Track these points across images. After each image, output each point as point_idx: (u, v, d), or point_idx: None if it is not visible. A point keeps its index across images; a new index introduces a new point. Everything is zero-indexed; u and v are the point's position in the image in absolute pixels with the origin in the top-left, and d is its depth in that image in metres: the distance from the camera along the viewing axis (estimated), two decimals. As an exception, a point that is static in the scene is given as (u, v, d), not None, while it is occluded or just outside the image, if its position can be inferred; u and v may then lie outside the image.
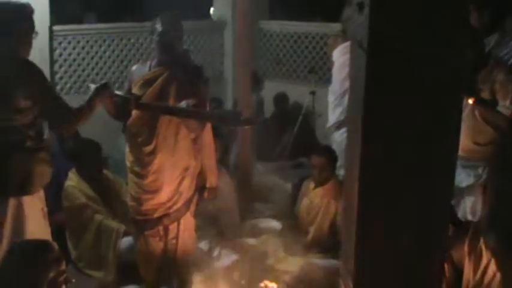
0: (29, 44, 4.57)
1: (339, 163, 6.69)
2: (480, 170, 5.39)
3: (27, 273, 3.22)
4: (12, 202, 4.59)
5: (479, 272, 4.34)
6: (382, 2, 2.30)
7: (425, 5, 2.30)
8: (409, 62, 2.32)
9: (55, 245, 3.40)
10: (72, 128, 4.66)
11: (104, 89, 4.79)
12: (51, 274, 3.26)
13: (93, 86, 4.83)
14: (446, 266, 4.58)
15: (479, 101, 5.15)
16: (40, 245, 3.35)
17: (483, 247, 4.34)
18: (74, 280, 3.44)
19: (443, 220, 2.61)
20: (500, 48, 5.76)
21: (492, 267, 4.29)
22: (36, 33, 4.55)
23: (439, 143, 2.42)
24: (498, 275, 4.25)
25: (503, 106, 5.12)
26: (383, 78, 2.34)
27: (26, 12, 4.51)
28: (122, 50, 8.99)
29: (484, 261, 4.33)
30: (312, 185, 6.32)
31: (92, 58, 8.71)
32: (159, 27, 5.01)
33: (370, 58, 2.32)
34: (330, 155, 6.21)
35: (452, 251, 4.53)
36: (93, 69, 8.70)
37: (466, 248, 4.43)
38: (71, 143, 6.82)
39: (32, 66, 4.50)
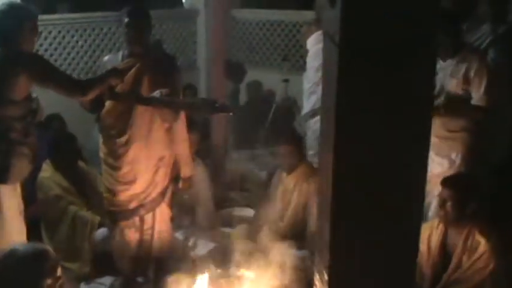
0: (32, 42, 4.78)
1: (313, 151, 6.73)
2: (453, 156, 5.43)
3: (24, 281, 3.21)
4: None
5: (472, 258, 4.44)
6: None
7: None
8: (381, 57, 2.33)
9: (51, 252, 3.39)
10: (84, 97, 4.82)
11: (118, 72, 4.95)
12: (48, 282, 3.25)
13: (106, 58, 5.24)
14: (437, 246, 4.70)
15: (448, 109, 5.20)
16: (37, 252, 3.32)
17: (481, 237, 4.45)
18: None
19: (418, 206, 2.65)
20: (472, 32, 5.82)
21: (486, 257, 4.39)
22: (40, 33, 4.71)
23: (410, 133, 2.46)
24: (491, 266, 4.37)
25: (478, 99, 5.19)
26: (355, 72, 2.36)
27: (32, 13, 4.74)
28: (94, 40, 8.92)
29: (480, 250, 4.43)
30: (284, 174, 6.33)
31: (64, 48, 8.63)
32: (124, 18, 4.98)
33: (342, 52, 2.34)
34: (296, 142, 6.21)
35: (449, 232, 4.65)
36: (65, 59, 8.63)
37: (464, 233, 4.53)
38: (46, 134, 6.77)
39: (32, 56, 4.73)
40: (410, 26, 2.32)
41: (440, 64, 5.19)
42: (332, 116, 2.44)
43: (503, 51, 5.97)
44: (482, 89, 5.17)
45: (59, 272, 3.36)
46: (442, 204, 4.59)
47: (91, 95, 4.79)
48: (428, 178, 4.97)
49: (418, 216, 2.68)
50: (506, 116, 5.80)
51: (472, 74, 5.21)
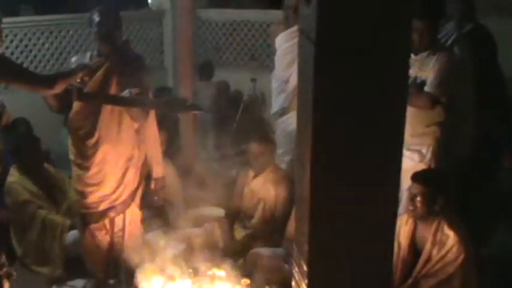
0: None
1: (282, 149, 6.73)
2: (424, 150, 5.48)
3: None
4: None
5: (442, 251, 4.48)
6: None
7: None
8: (356, 53, 2.37)
9: None
10: (52, 89, 4.68)
11: (87, 67, 4.91)
12: None
13: (73, 59, 5.19)
14: (407, 241, 4.74)
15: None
16: None
17: (450, 231, 4.50)
18: (14, 273, 3.37)
19: (393, 196, 2.69)
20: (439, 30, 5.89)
21: (455, 250, 4.45)
22: (5, 36, 4.63)
23: (386, 125, 2.50)
24: (460, 258, 4.42)
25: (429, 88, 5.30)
26: (331, 68, 2.39)
27: None
28: (60, 42, 8.88)
29: (449, 244, 4.48)
30: (251, 173, 6.32)
31: (30, 51, 8.59)
32: (96, 17, 4.97)
33: (318, 49, 2.36)
34: (268, 142, 6.21)
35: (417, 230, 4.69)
36: (31, 62, 8.59)
37: (432, 227, 4.57)
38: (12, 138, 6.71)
39: None
40: (385, 23, 2.36)
41: (412, 57, 5.25)
42: (309, 113, 2.46)
43: (468, 48, 6.05)
44: (434, 82, 5.28)
45: (3, 259, 3.31)
46: (411, 199, 4.64)
47: (58, 88, 4.71)
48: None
49: (394, 206, 2.73)
50: (470, 110, 5.88)
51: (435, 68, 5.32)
